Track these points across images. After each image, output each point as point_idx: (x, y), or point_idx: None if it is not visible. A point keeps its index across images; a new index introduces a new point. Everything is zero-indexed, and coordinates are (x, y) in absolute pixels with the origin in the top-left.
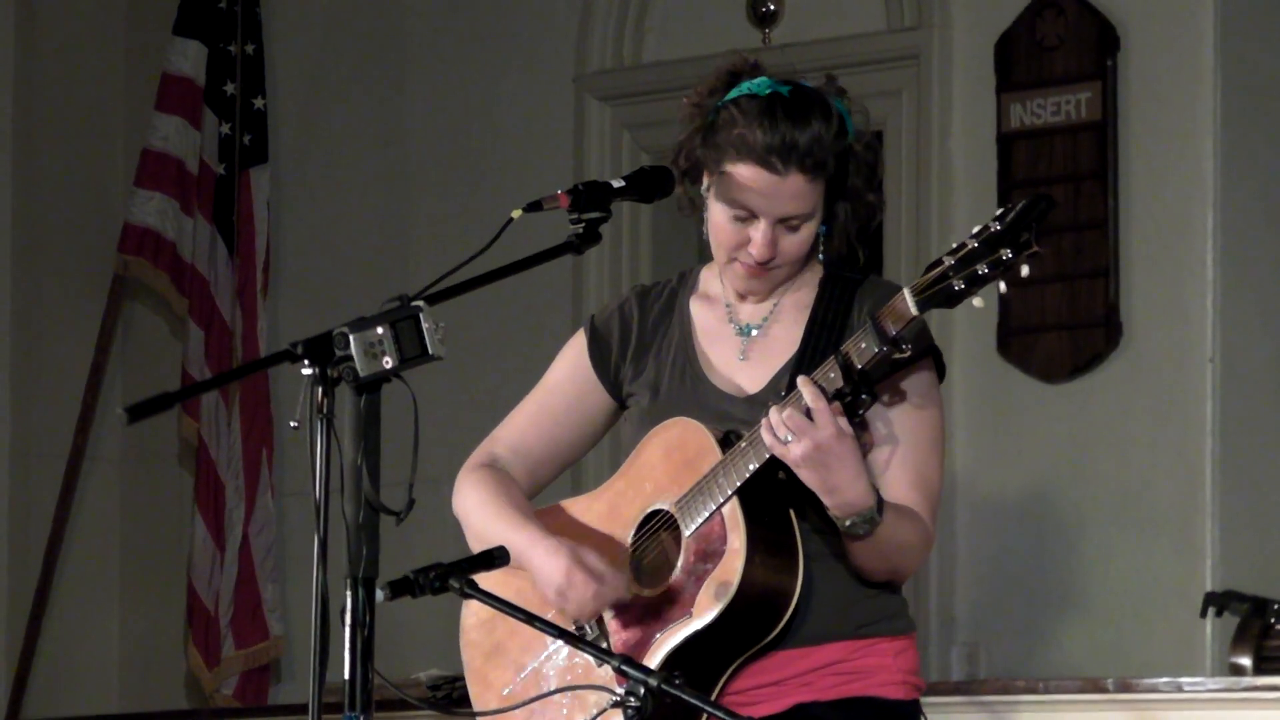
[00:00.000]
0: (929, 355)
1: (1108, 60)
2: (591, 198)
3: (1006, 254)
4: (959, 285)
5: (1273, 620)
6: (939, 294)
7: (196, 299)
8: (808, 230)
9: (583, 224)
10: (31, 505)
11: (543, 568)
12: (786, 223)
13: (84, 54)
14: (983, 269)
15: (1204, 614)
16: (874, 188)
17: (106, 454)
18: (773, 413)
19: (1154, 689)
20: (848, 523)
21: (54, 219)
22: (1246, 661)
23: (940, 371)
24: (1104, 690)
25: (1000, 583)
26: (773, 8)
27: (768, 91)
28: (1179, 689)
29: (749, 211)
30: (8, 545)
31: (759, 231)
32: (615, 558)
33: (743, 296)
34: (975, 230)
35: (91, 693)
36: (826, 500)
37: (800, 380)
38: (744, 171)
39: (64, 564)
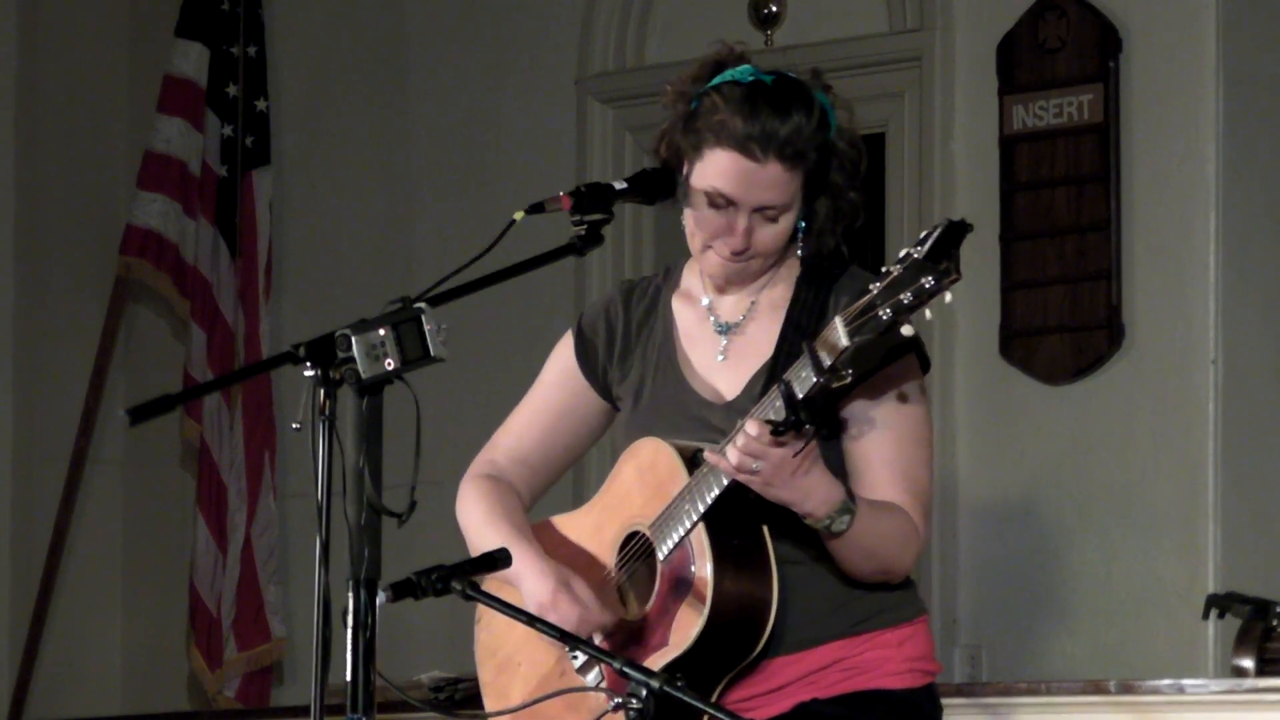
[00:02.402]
0: (912, 351)
1: (1110, 62)
2: (593, 199)
3: (929, 281)
4: (885, 314)
5: (1275, 622)
6: (868, 323)
7: (199, 301)
8: (785, 222)
9: (585, 226)
10: (34, 507)
11: (533, 588)
12: (763, 212)
13: (86, 56)
14: (906, 297)
15: (1206, 616)
16: (856, 186)
17: (109, 456)
18: (728, 449)
19: (1156, 691)
20: (826, 522)
21: (56, 221)
22: (1249, 664)
23: (924, 365)
24: (1106, 692)
25: (1002, 585)
26: (775, 10)
27: (750, 79)
28: (1181, 691)
29: (726, 199)
30: (10, 547)
31: (735, 221)
32: (601, 581)
33: (720, 290)
34: (900, 256)
35: (94, 695)
36: (800, 510)
37: (747, 420)
38: (723, 158)
39: (66, 566)
